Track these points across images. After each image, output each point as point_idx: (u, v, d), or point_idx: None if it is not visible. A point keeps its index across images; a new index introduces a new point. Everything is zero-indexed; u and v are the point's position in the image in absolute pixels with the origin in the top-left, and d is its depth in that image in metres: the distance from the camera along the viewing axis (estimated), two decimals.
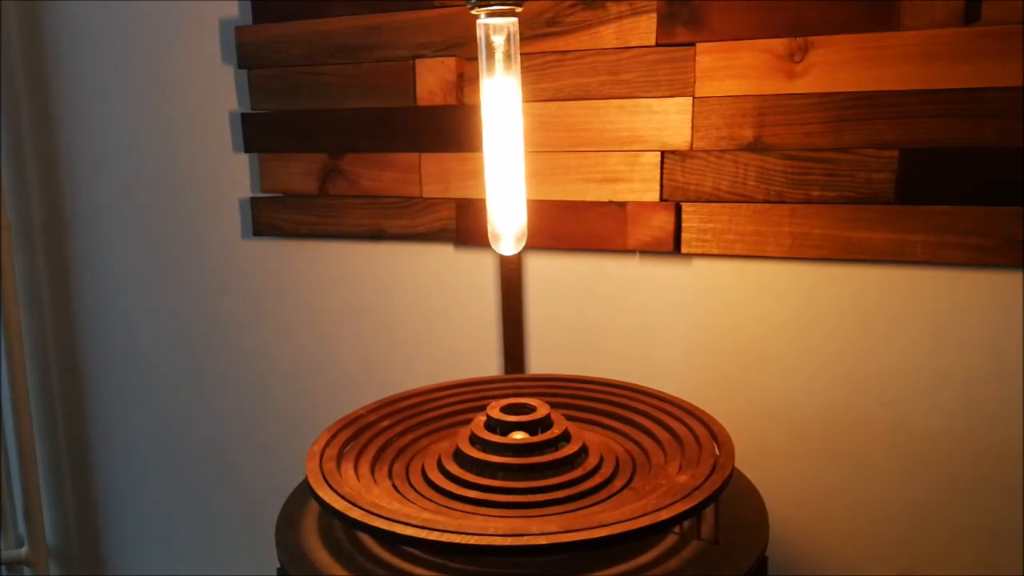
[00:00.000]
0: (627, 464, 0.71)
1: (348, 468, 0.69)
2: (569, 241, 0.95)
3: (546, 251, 0.98)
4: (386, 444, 0.74)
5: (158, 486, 1.31)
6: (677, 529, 0.65)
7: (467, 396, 0.82)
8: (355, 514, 0.60)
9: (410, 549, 0.63)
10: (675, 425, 0.74)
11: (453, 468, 0.69)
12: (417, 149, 1.00)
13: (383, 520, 0.59)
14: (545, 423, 0.70)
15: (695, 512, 0.60)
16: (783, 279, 0.88)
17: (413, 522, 0.59)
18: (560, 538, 0.56)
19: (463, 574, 0.60)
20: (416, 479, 0.70)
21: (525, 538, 0.57)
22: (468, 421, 0.79)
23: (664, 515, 0.59)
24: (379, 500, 0.63)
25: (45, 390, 1.36)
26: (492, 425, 0.70)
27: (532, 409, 0.71)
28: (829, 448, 0.90)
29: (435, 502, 0.66)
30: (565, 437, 0.69)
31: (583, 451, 0.69)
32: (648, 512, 0.59)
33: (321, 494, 0.63)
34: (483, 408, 0.73)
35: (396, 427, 0.77)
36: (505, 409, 0.71)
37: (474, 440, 0.70)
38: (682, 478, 0.64)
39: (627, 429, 0.77)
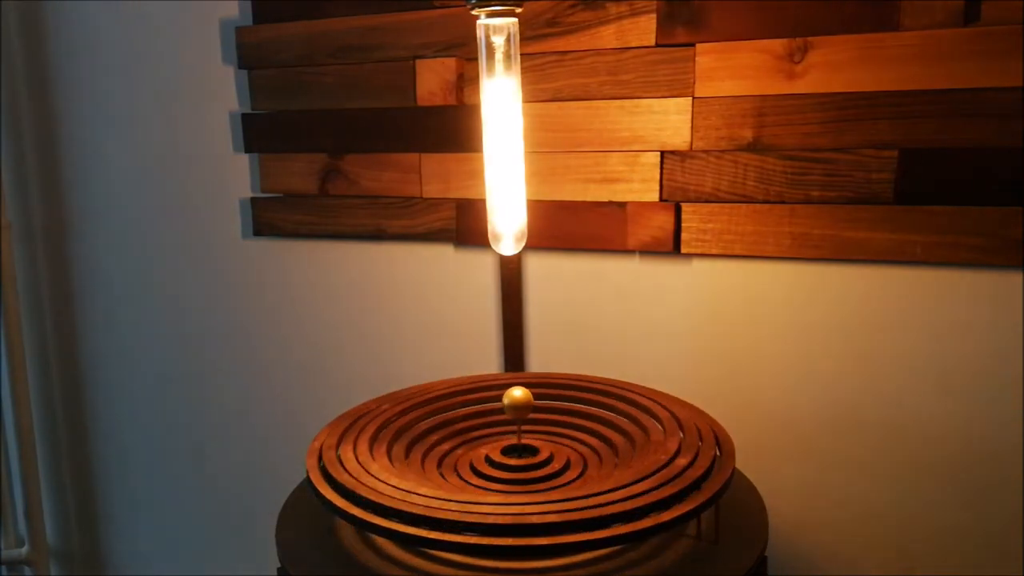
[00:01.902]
0: (627, 452, 0.71)
1: (347, 451, 0.69)
2: (569, 241, 0.95)
3: (546, 251, 0.98)
4: (384, 424, 0.75)
5: (158, 486, 1.31)
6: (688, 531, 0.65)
7: (466, 389, 0.82)
8: (356, 512, 0.61)
9: (410, 548, 0.63)
10: (677, 410, 0.74)
11: (453, 480, 0.69)
12: (417, 149, 1.00)
13: (383, 519, 0.59)
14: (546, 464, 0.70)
15: (696, 513, 0.60)
16: (783, 279, 0.88)
17: (414, 510, 0.58)
18: (561, 517, 0.57)
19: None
20: (414, 468, 0.70)
21: (528, 516, 0.57)
22: (466, 404, 0.79)
23: (665, 517, 0.59)
24: (377, 479, 0.63)
25: (45, 390, 1.36)
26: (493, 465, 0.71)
27: (535, 451, 0.71)
28: (829, 448, 0.90)
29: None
30: (567, 466, 0.70)
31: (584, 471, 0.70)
32: (649, 502, 0.59)
33: (323, 492, 0.63)
34: (482, 390, 0.74)
35: (394, 408, 0.77)
36: (506, 451, 0.72)
37: (475, 472, 0.70)
38: (682, 461, 0.64)
39: (628, 409, 0.76)
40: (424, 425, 0.77)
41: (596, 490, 0.61)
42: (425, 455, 0.73)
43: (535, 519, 0.57)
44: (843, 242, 0.84)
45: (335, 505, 0.62)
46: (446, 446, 0.75)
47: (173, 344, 1.24)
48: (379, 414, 0.76)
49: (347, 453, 0.69)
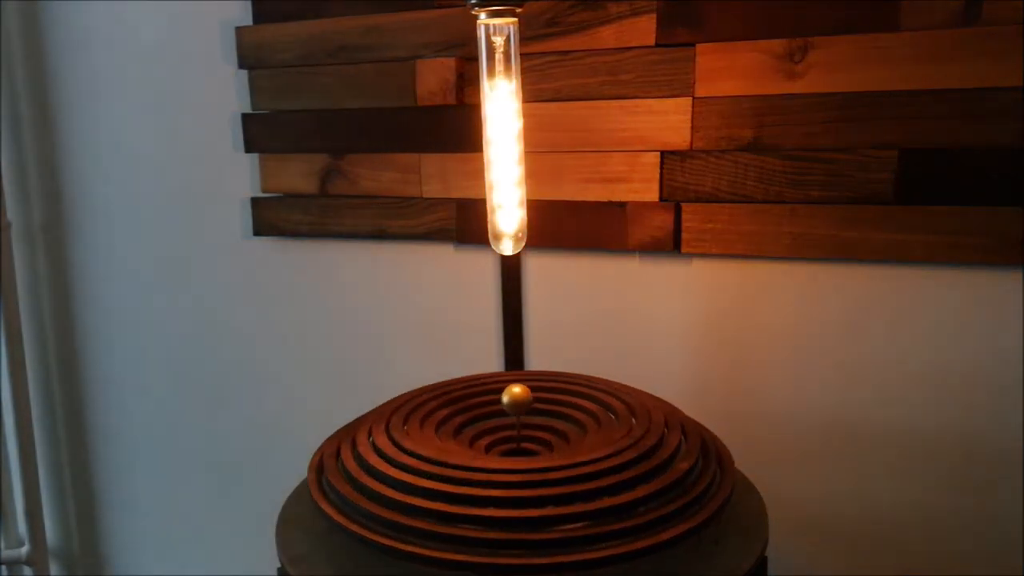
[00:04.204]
0: (627, 417, 0.71)
1: (347, 451, 0.69)
2: (569, 241, 0.95)
3: (546, 251, 0.98)
4: (382, 411, 0.75)
5: (158, 486, 1.31)
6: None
7: (467, 392, 0.82)
8: (355, 527, 0.61)
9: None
10: (680, 414, 0.74)
11: (453, 447, 0.69)
12: (417, 149, 1.00)
13: (383, 537, 0.59)
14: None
15: (697, 530, 0.60)
16: (783, 279, 0.88)
17: (413, 523, 0.58)
18: (562, 534, 0.57)
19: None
20: (413, 434, 0.71)
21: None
22: (467, 407, 0.79)
23: (665, 536, 0.59)
24: (377, 475, 0.64)
25: (45, 390, 1.36)
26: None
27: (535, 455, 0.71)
28: (829, 448, 0.90)
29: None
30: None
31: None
32: (652, 519, 0.59)
33: (325, 510, 0.64)
34: (480, 393, 0.74)
35: (392, 401, 0.78)
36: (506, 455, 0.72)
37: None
38: (683, 465, 0.64)
39: (629, 405, 0.77)
40: (421, 398, 0.77)
41: (594, 477, 0.61)
42: (423, 421, 0.73)
43: (535, 536, 0.57)
44: (843, 242, 0.84)
45: (337, 522, 0.62)
46: (443, 412, 0.75)
47: (173, 344, 1.24)
48: (377, 416, 0.76)
49: (347, 452, 0.69)
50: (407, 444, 0.67)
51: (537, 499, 0.59)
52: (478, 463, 0.64)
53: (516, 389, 0.70)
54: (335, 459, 0.69)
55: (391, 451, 0.66)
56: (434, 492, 0.61)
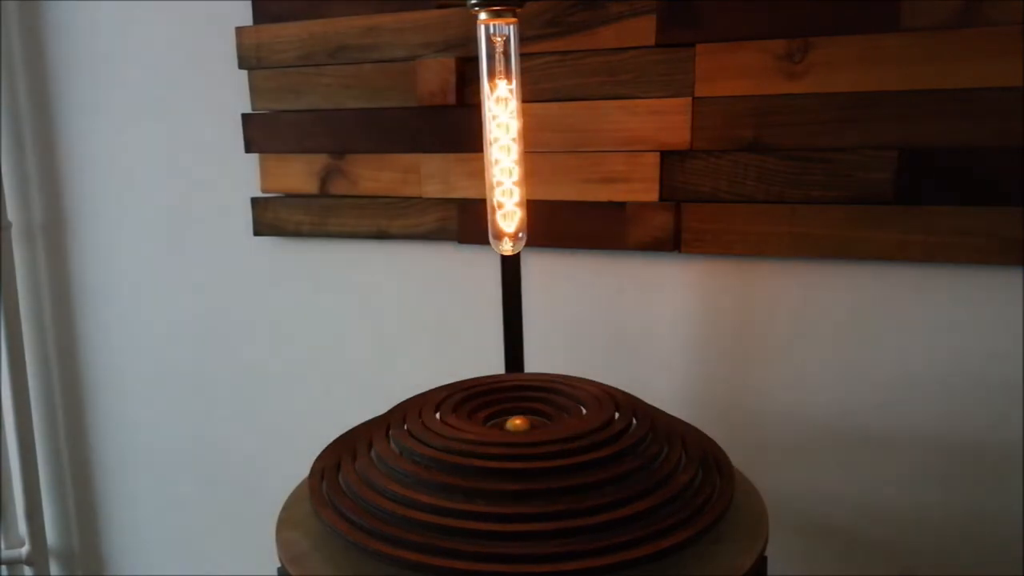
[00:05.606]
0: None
1: (347, 463, 0.69)
2: (569, 241, 0.95)
3: (546, 251, 0.98)
4: (382, 418, 0.75)
5: (158, 486, 1.31)
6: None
7: (466, 396, 0.82)
8: (356, 537, 0.61)
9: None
10: (679, 425, 0.74)
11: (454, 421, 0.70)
12: (417, 149, 1.00)
13: (385, 545, 0.59)
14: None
15: (696, 540, 0.60)
16: (783, 279, 0.88)
17: (414, 537, 0.59)
18: (562, 548, 0.57)
19: None
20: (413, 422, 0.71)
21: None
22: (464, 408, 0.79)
23: (666, 543, 0.59)
24: (375, 488, 0.64)
25: (45, 390, 1.36)
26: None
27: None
28: (829, 448, 0.90)
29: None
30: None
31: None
32: (654, 531, 0.59)
33: (325, 517, 0.64)
34: (480, 397, 0.75)
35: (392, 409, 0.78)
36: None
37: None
38: (683, 477, 0.64)
39: (630, 408, 0.76)
40: (423, 395, 0.77)
41: (594, 487, 0.61)
42: (422, 409, 0.73)
43: (536, 550, 0.57)
44: (843, 242, 0.84)
45: (338, 530, 0.62)
46: (444, 394, 0.75)
47: (173, 344, 1.24)
48: (377, 423, 0.76)
49: (347, 466, 0.69)
50: (408, 443, 0.67)
51: (538, 513, 0.59)
52: (477, 436, 0.65)
53: (517, 421, 0.70)
54: (335, 471, 0.69)
55: (392, 458, 0.66)
56: (434, 507, 0.61)
